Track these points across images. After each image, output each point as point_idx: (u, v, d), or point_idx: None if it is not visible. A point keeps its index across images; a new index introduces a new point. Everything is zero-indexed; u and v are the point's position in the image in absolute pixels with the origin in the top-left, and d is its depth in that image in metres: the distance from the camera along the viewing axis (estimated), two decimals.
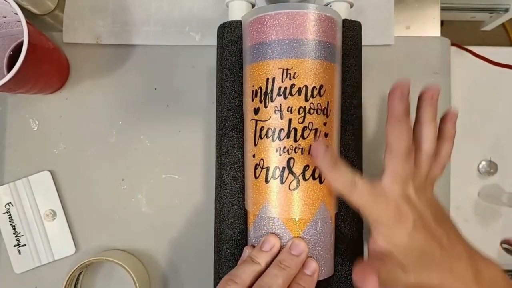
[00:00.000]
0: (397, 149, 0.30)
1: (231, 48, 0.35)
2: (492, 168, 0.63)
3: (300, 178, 0.31)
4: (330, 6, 0.37)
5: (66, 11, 0.46)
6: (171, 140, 0.45)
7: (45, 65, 0.40)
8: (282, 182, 0.31)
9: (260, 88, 0.32)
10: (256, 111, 0.32)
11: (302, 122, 0.31)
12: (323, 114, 0.31)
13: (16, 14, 0.36)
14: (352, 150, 0.35)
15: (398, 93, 0.30)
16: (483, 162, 0.63)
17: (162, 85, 0.46)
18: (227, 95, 0.35)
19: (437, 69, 0.46)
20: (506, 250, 0.62)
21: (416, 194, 0.30)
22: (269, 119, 0.31)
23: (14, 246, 0.44)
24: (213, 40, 0.45)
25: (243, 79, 0.35)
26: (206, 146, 0.45)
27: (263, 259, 0.30)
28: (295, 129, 0.31)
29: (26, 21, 0.35)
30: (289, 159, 0.31)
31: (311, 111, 0.31)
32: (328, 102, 0.32)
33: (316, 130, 0.31)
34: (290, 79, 0.31)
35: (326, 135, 0.32)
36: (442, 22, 0.48)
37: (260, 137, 0.32)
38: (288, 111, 0.31)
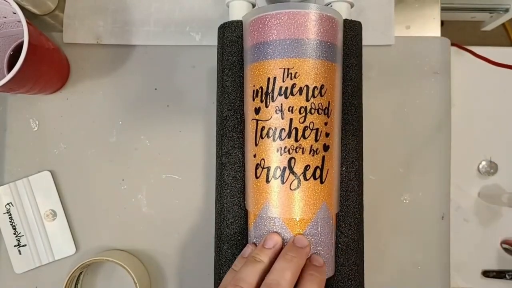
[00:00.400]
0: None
1: (232, 48, 0.35)
2: (492, 168, 0.63)
3: (301, 178, 0.31)
4: (331, 6, 0.37)
5: (66, 11, 0.46)
6: (171, 140, 0.45)
7: (45, 65, 0.40)
8: (283, 182, 0.31)
9: (261, 87, 0.32)
10: (257, 111, 0.32)
11: (303, 122, 0.31)
12: (324, 114, 0.31)
13: (16, 14, 0.36)
14: (352, 150, 0.35)
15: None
16: (483, 162, 0.63)
17: (163, 85, 0.46)
18: (227, 95, 0.35)
19: (437, 69, 0.46)
20: (506, 250, 0.62)
21: None
22: (270, 119, 0.31)
23: (14, 246, 0.44)
24: (213, 40, 0.45)
25: (243, 79, 0.35)
26: (206, 146, 0.45)
27: (266, 256, 0.29)
28: (296, 129, 0.31)
29: (26, 21, 0.35)
30: (290, 159, 0.31)
31: (312, 110, 0.31)
32: (329, 102, 0.32)
33: (317, 130, 0.31)
34: (291, 79, 0.31)
35: (327, 135, 0.32)
36: (442, 22, 0.48)
37: (261, 137, 0.32)
38: (289, 110, 0.31)
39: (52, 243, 0.44)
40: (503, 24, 0.78)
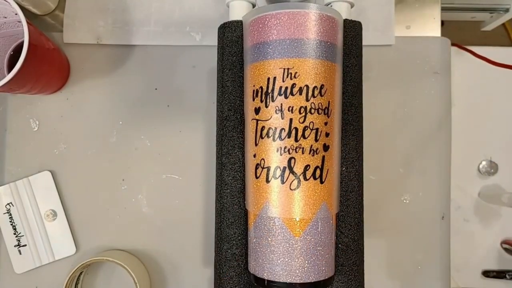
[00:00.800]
0: None
1: (232, 48, 0.35)
2: (492, 168, 0.63)
3: (301, 178, 0.31)
4: (331, 6, 0.37)
5: (66, 11, 0.46)
6: (171, 140, 0.45)
7: (45, 65, 0.40)
8: (283, 182, 0.31)
9: (261, 87, 0.32)
10: (257, 110, 0.32)
11: (303, 122, 0.31)
12: (324, 114, 0.31)
13: (17, 14, 0.36)
14: (352, 150, 0.35)
15: None
16: (483, 162, 0.63)
17: (163, 85, 0.46)
18: (227, 95, 0.35)
19: (437, 69, 0.46)
20: (506, 250, 0.62)
21: None
22: (270, 119, 0.31)
23: (14, 246, 0.44)
24: (213, 40, 0.45)
25: (243, 79, 0.35)
26: (206, 146, 0.45)
27: None
28: (296, 129, 0.31)
29: (27, 22, 0.35)
30: (290, 158, 0.31)
31: (312, 110, 0.31)
32: (329, 102, 0.32)
33: (317, 130, 0.31)
34: (291, 79, 0.31)
35: (327, 135, 0.32)
36: (442, 22, 0.48)
37: (261, 136, 0.32)
38: (289, 110, 0.31)
39: (52, 243, 0.44)
40: (503, 24, 0.78)
